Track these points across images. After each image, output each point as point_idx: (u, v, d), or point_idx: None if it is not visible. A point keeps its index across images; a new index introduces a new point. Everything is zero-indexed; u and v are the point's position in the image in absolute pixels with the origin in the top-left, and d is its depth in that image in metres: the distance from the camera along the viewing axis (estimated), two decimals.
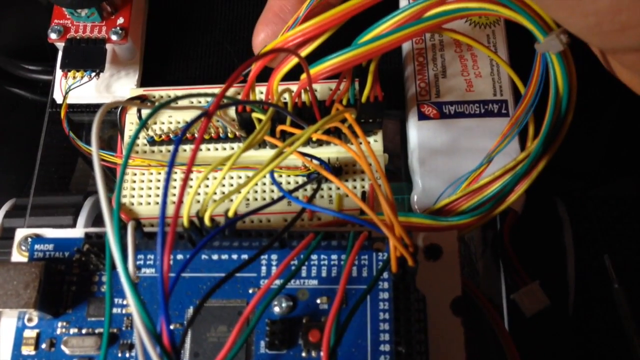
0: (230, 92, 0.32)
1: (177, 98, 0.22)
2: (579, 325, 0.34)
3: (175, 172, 0.30)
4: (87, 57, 0.31)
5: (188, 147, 0.31)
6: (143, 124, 0.19)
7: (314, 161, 0.28)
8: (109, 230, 0.16)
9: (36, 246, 0.25)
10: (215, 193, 0.30)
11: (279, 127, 0.28)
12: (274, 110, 0.25)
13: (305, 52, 0.26)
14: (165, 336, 0.17)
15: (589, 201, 0.37)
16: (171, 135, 0.30)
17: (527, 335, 0.32)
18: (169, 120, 0.31)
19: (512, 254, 0.30)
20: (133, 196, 0.30)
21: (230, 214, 0.22)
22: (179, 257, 0.25)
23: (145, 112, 0.31)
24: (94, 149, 0.18)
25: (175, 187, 0.30)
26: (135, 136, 0.19)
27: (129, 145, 0.19)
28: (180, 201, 0.19)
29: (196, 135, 0.30)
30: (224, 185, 0.30)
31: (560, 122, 0.24)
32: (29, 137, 0.38)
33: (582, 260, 0.34)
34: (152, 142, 0.31)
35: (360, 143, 0.23)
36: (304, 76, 0.26)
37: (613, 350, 0.33)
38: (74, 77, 0.31)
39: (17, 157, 0.40)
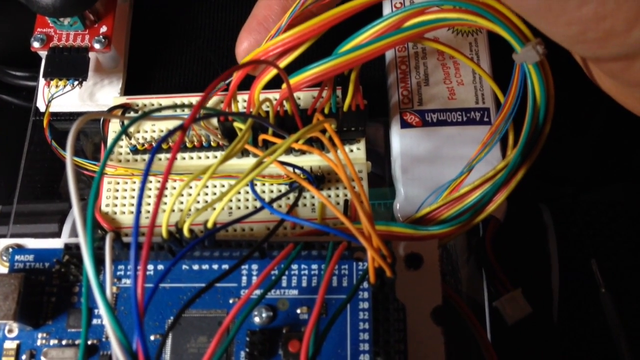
0: (214, 100, 0.32)
1: (154, 110, 0.22)
2: (564, 331, 0.34)
3: (157, 182, 0.30)
4: (70, 65, 0.31)
5: (164, 156, 0.31)
6: (120, 135, 0.19)
7: (295, 170, 0.28)
8: (83, 245, 0.16)
9: (17, 257, 0.25)
10: (197, 202, 0.30)
11: (261, 136, 0.28)
12: (254, 120, 0.25)
13: (285, 62, 0.26)
14: (140, 354, 0.17)
15: (577, 207, 0.37)
16: (154, 144, 0.30)
17: (510, 343, 0.32)
18: (152, 129, 0.31)
19: (494, 261, 0.30)
20: (116, 205, 0.30)
21: (210, 224, 0.22)
22: (160, 267, 0.25)
23: (127, 122, 0.31)
24: (68, 157, 0.18)
25: (152, 197, 0.30)
26: (112, 146, 0.19)
27: (106, 153, 0.19)
28: (156, 211, 0.19)
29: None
30: (206, 194, 0.30)
31: (538, 131, 0.24)
32: (14, 143, 0.38)
33: (569, 265, 0.34)
34: (135, 151, 0.31)
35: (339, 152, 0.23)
36: (285, 86, 0.26)
37: (600, 355, 0.34)
38: (57, 86, 0.31)
39: (1, 164, 0.40)
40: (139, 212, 0.18)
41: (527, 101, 0.24)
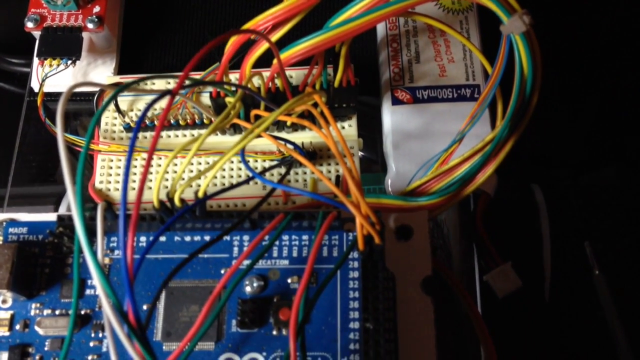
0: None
1: (142, 79, 0.23)
2: (555, 310, 0.34)
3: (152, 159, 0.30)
4: (64, 45, 0.31)
5: (164, 134, 0.31)
6: (106, 105, 0.19)
7: (288, 145, 0.29)
8: (72, 203, 0.17)
9: (10, 229, 0.25)
10: (185, 174, 0.30)
11: (253, 112, 0.28)
12: (244, 92, 0.25)
13: (276, 36, 0.26)
14: (130, 314, 0.17)
15: (571, 190, 0.37)
16: (147, 122, 0.31)
17: (501, 317, 0.32)
18: (141, 107, 0.31)
19: (485, 235, 0.31)
20: (110, 182, 0.30)
21: (200, 193, 0.22)
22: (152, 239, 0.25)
23: (121, 99, 0.31)
24: (58, 128, 0.18)
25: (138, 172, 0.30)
26: (99, 114, 0.19)
27: (93, 120, 0.19)
28: (143, 182, 0.19)
29: (172, 120, 0.31)
30: (200, 168, 0.30)
31: (525, 102, 0.24)
32: (8, 129, 0.38)
33: (562, 247, 0.35)
34: (128, 128, 0.31)
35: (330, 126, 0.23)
36: (276, 61, 0.26)
37: (591, 334, 0.34)
38: (51, 65, 0.31)
39: None
40: (127, 174, 0.18)
41: (515, 72, 0.24)
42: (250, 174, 0.24)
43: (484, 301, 0.32)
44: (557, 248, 0.35)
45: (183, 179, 0.30)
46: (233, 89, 0.27)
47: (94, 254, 0.17)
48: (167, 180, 0.30)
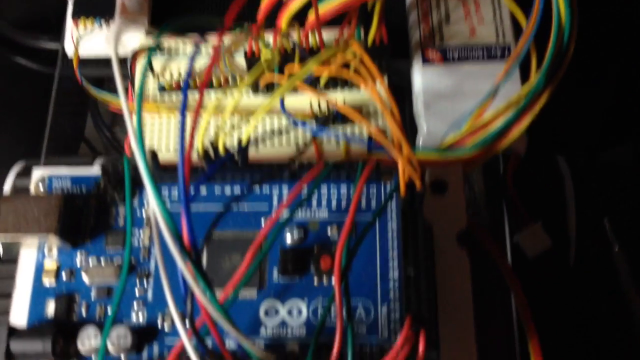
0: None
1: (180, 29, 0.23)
2: (578, 278, 0.35)
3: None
4: (97, 4, 0.31)
5: (195, 96, 0.31)
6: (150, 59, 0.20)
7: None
8: (133, 141, 0.17)
9: (54, 183, 0.26)
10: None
11: (288, 66, 0.28)
12: (282, 45, 0.26)
13: None
14: (185, 235, 0.18)
15: (592, 165, 0.37)
16: (181, 83, 0.31)
17: (529, 279, 0.33)
18: (179, 69, 0.32)
19: (515, 196, 0.31)
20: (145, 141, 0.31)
21: (244, 141, 0.23)
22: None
23: (154, 60, 0.32)
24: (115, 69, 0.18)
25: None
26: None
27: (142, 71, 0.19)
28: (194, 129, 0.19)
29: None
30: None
31: (563, 51, 0.25)
32: (36, 108, 0.38)
33: (582, 223, 0.35)
34: (162, 89, 0.31)
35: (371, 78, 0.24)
36: (311, 16, 0.27)
37: (610, 305, 0.34)
38: (85, 26, 0.31)
39: (25, 129, 0.41)
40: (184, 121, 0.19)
41: (552, 22, 0.24)
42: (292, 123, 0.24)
43: (513, 261, 0.32)
44: (578, 226, 0.35)
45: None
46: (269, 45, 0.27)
47: (151, 177, 0.17)
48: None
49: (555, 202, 0.36)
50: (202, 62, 0.31)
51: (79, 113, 0.36)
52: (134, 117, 0.18)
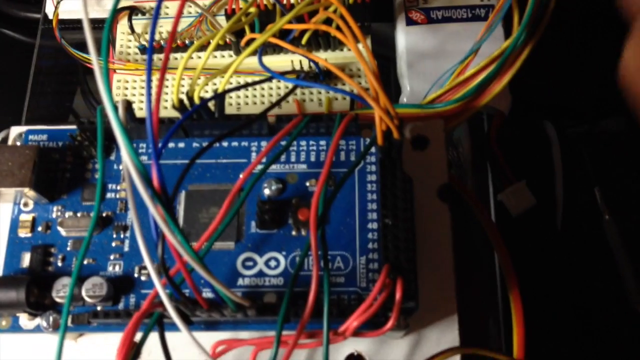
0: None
1: None
2: (566, 241, 0.34)
3: (167, 79, 0.31)
4: None
5: (179, 55, 0.31)
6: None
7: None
8: (103, 92, 0.17)
9: (30, 136, 0.25)
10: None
11: (269, 26, 0.28)
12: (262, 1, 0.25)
13: None
14: (155, 178, 0.17)
15: (581, 137, 0.37)
16: (162, 43, 0.31)
17: (514, 238, 0.33)
18: (159, 30, 0.31)
19: (499, 153, 0.31)
20: (126, 97, 0.30)
21: (220, 89, 0.23)
22: (171, 145, 0.25)
23: (135, 22, 0.31)
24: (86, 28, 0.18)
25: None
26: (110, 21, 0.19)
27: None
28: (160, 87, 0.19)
29: (187, 41, 0.31)
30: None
31: (542, 5, 0.24)
32: (19, 78, 0.37)
33: (572, 193, 0.35)
34: (143, 49, 0.31)
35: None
36: None
37: (598, 269, 0.34)
38: None
39: (12, 100, 0.40)
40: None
41: None
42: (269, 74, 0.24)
43: (497, 219, 0.32)
44: (567, 194, 0.35)
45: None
46: None
47: (119, 121, 0.17)
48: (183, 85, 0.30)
49: (543, 167, 0.35)
50: (185, 24, 0.31)
51: (65, 83, 0.36)
52: (103, 66, 0.18)
